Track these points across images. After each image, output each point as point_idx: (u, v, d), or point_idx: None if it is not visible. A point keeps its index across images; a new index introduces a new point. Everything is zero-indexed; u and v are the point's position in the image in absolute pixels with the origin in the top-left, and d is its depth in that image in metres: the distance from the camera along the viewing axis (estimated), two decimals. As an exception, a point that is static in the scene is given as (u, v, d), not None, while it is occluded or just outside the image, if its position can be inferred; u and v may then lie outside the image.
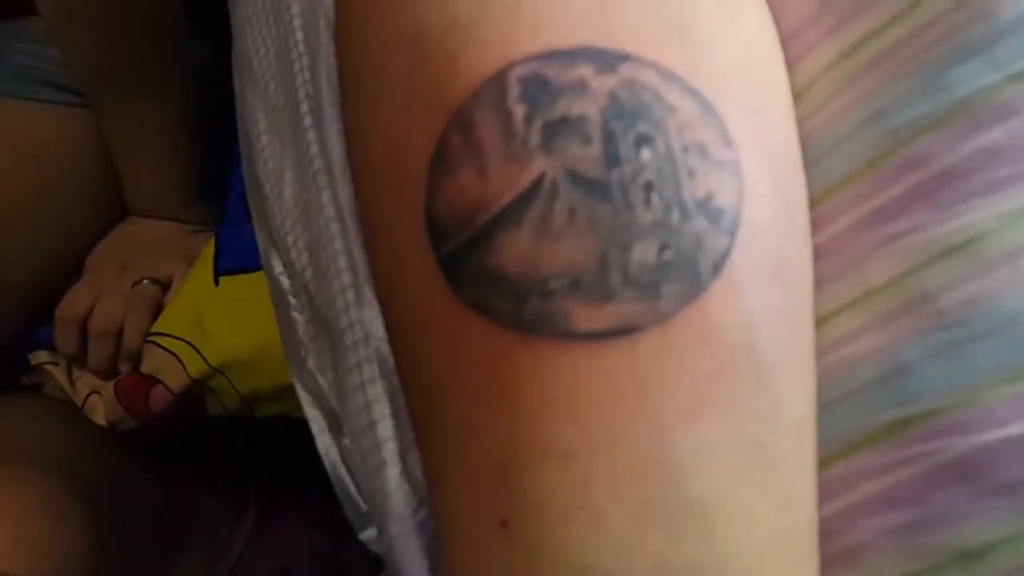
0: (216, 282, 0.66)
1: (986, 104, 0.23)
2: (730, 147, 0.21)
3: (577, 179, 0.20)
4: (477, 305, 0.21)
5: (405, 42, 0.22)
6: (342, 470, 0.33)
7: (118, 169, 0.71)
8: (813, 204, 0.26)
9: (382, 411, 0.29)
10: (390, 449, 0.28)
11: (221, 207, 0.74)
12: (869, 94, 0.25)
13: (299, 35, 0.34)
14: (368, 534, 0.31)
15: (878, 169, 0.24)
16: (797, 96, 0.26)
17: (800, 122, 0.26)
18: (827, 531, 0.23)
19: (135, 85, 0.66)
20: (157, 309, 0.69)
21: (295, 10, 0.34)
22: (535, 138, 0.20)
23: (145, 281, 0.69)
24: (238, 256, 0.66)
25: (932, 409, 0.22)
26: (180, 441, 0.79)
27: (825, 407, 0.24)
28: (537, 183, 0.20)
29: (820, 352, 0.24)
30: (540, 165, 0.20)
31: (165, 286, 0.70)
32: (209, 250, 0.68)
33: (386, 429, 0.29)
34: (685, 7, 0.22)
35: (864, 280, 0.24)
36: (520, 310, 0.20)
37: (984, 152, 0.23)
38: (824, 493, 0.23)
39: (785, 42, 0.27)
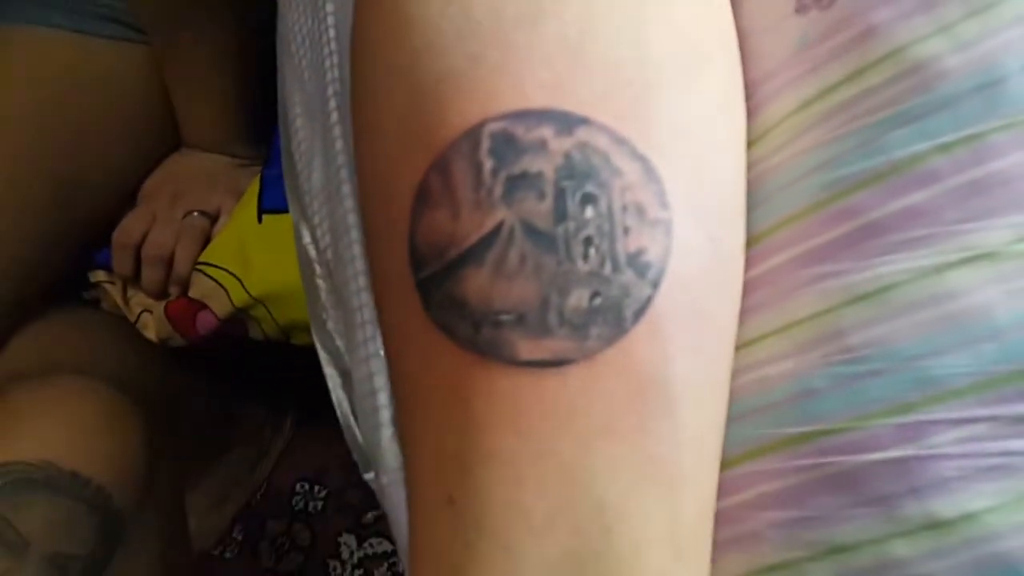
0: (259, 219, 0.71)
1: (913, 169, 0.26)
2: (666, 208, 0.24)
3: (530, 229, 0.24)
4: (443, 326, 0.25)
5: (404, 81, 0.26)
6: (351, 420, 0.38)
7: (174, 102, 0.75)
8: (759, 237, 0.29)
9: (381, 383, 0.33)
10: (385, 415, 0.33)
11: (268, 146, 0.77)
12: (820, 145, 0.27)
13: (331, 32, 0.37)
14: (369, 475, 0.37)
15: (816, 214, 0.27)
16: (761, 136, 0.29)
17: (760, 160, 0.29)
18: (729, 519, 0.27)
19: (192, 25, 0.70)
20: (205, 239, 0.74)
21: (329, 7, 0.38)
22: (499, 190, 0.24)
23: (195, 213, 0.74)
24: (280, 197, 0.70)
25: (827, 429, 0.26)
26: (224, 357, 0.85)
27: (740, 416, 0.28)
28: (497, 229, 0.24)
29: (744, 369, 0.28)
30: (501, 214, 0.24)
31: (213, 218, 0.75)
32: (254, 188, 0.73)
33: (383, 398, 0.33)
34: (648, 72, 0.25)
35: (789, 312, 0.27)
36: (476, 335, 0.24)
37: (905, 212, 0.26)
38: (730, 487, 0.27)
39: (758, 83, 0.30)
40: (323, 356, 0.40)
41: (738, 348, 0.28)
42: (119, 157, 0.76)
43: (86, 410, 0.62)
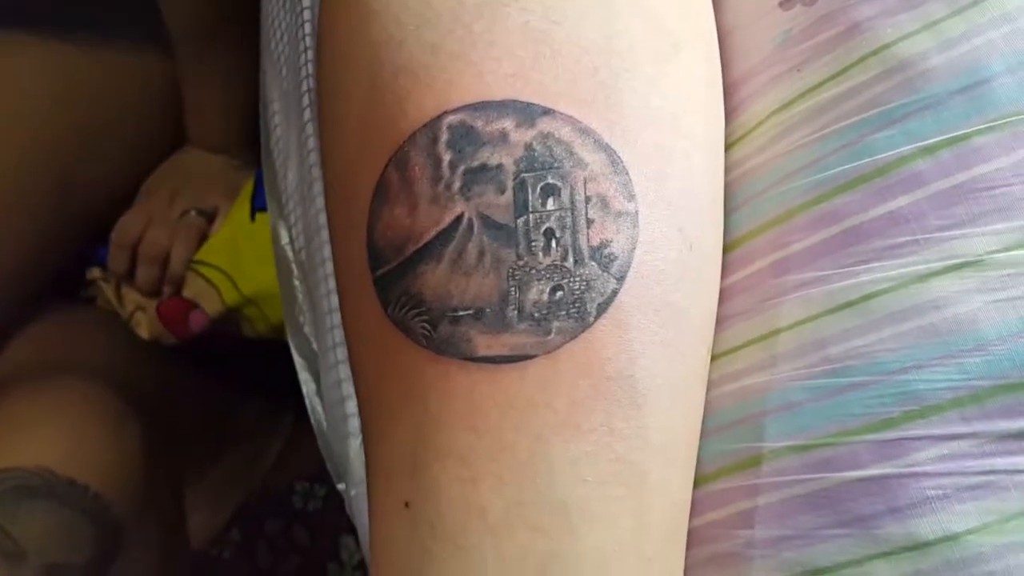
0: (252, 218, 0.71)
1: (897, 172, 0.25)
2: (632, 200, 0.24)
3: (489, 223, 0.23)
4: (400, 324, 0.24)
5: (365, 75, 0.25)
6: (324, 428, 0.37)
7: (186, 104, 0.76)
8: (739, 241, 0.28)
9: (350, 390, 0.32)
10: (354, 424, 0.32)
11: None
12: (803, 145, 0.27)
13: (307, 28, 0.36)
14: (341, 486, 0.36)
15: (798, 218, 0.26)
16: (743, 136, 0.28)
17: (741, 161, 0.28)
18: (704, 537, 0.26)
19: (222, 34, 0.71)
20: (201, 239, 0.74)
21: (306, 2, 0.37)
22: (457, 183, 0.23)
23: (192, 212, 0.74)
24: (274, 195, 0.70)
25: (805, 444, 0.25)
26: (220, 355, 0.85)
27: (717, 428, 0.27)
28: (456, 223, 0.23)
29: (723, 379, 0.27)
30: (459, 208, 0.23)
31: (211, 217, 0.75)
32: (249, 186, 0.73)
33: (352, 406, 0.32)
34: (615, 58, 0.24)
35: (770, 321, 0.26)
36: (432, 332, 0.23)
37: (889, 217, 0.25)
38: (705, 504, 0.27)
39: (740, 80, 0.29)
40: (298, 361, 0.39)
41: (716, 357, 0.27)
42: (120, 157, 0.76)
43: (85, 416, 0.61)
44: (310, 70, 0.36)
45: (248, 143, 0.78)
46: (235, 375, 0.89)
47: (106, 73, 0.73)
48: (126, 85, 0.74)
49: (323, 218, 0.34)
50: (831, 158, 0.26)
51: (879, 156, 0.25)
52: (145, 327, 0.73)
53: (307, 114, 0.35)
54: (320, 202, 0.34)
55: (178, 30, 0.72)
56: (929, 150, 0.24)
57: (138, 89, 0.75)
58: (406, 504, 0.24)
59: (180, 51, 0.73)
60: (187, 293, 0.71)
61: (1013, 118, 0.24)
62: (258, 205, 0.71)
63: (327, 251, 0.34)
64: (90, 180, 0.73)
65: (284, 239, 0.39)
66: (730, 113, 0.29)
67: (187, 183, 0.76)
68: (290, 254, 0.39)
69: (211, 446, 0.88)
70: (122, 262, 0.74)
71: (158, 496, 0.65)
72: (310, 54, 0.36)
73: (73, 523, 0.57)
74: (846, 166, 0.26)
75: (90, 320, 0.78)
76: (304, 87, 0.36)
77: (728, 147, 0.29)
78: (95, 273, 0.77)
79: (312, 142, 0.35)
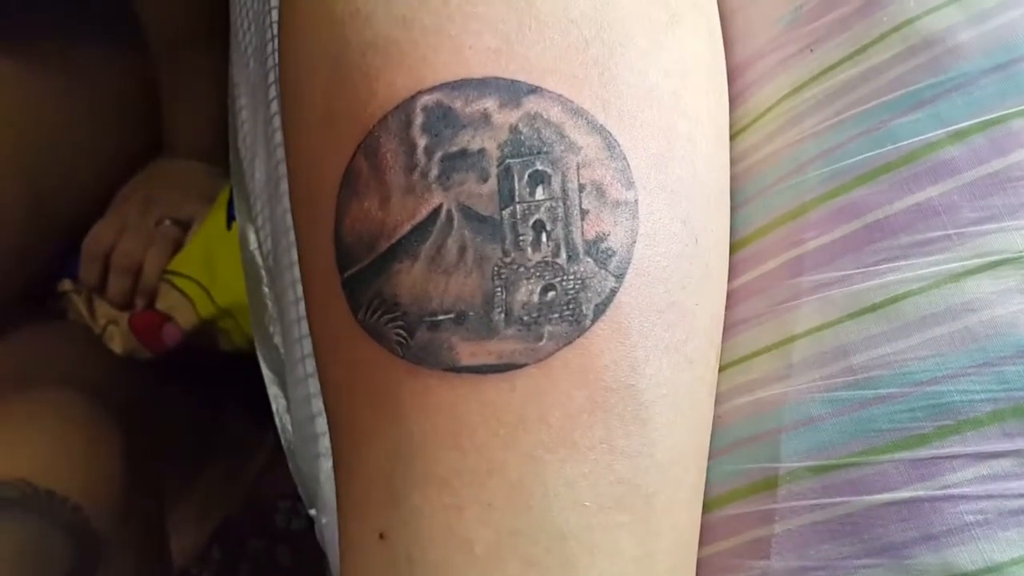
0: (228, 226, 0.68)
1: (926, 159, 0.23)
2: (631, 188, 0.21)
3: (470, 215, 0.21)
4: (372, 331, 0.22)
5: (329, 54, 0.23)
6: (295, 446, 0.34)
7: (166, 111, 0.74)
8: (749, 239, 0.26)
9: (320, 406, 0.30)
10: (325, 444, 0.30)
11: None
12: (817, 132, 0.25)
13: (274, 14, 0.34)
14: (314, 511, 0.33)
15: (815, 212, 0.24)
16: (750, 124, 0.26)
17: (749, 151, 0.26)
18: (717, 568, 0.24)
19: (200, 42, 0.70)
20: (177, 248, 0.72)
21: (273, -11, 0.34)
22: (434, 171, 0.21)
23: (167, 221, 0.72)
24: (252, 202, 0.68)
25: (826, 464, 0.23)
26: (198, 368, 0.82)
27: (728, 447, 0.24)
28: (433, 216, 0.21)
29: (733, 392, 0.25)
30: (437, 199, 0.21)
31: (186, 226, 0.73)
32: (225, 195, 0.70)
33: (323, 424, 0.30)
34: (608, 30, 0.22)
35: (784, 327, 0.24)
36: (409, 340, 0.21)
37: (917, 210, 0.23)
38: (717, 531, 0.24)
39: (744, 65, 0.27)
40: (267, 375, 0.36)
41: (725, 368, 0.25)
42: (92, 164, 0.74)
43: (64, 425, 0.60)
44: (278, 60, 0.33)
45: (226, 150, 0.76)
46: (214, 389, 0.87)
47: (77, 79, 0.72)
48: (98, 91, 0.73)
49: (289, 219, 0.31)
50: (849, 146, 0.24)
51: (904, 143, 0.23)
52: (118, 342, 0.71)
53: (274, 106, 0.33)
54: (287, 202, 0.32)
55: (155, 35, 0.71)
56: (960, 135, 0.23)
57: (111, 95, 0.73)
58: (381, 535, 0.22)
59: (157, 57, 0.72)
60: (160, 305, 0.69)
61: (1055, 98, 0.22)
62: (234, 213, 0.68)
63: (295, 253, 0.31)
64: (61, 187, 0.71)
65: (252, 243, 0.37)
66: (735, 99, 0.27)
67: (162, 191, 0.74)
68: (258, 259, 0.36)
69: (192, 460, 0.87)
70: (94, 273, 0.71)
71: (139, 510, 0.64)
72: (277, 43, 0.34)
73: (52, 537, 0.55)
74: (867, 154, 0.24)
75: (62, 334, 0.76)
76: (271, 78, 0.33)
77: (734, 136, 0.27)
78: (66, 285, 0.74)
79: (279, 136, 0.32)
